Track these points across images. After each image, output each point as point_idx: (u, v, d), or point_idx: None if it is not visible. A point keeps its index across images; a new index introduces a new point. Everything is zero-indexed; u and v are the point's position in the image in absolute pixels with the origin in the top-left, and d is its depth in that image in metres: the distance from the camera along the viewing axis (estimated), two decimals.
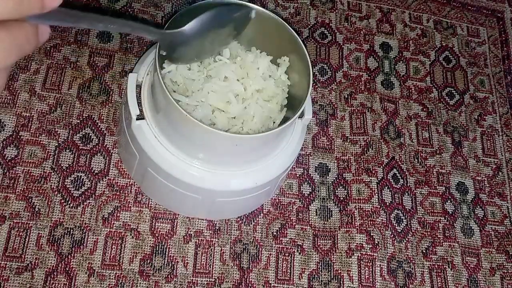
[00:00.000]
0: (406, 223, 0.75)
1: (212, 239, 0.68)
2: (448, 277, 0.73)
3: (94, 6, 0.78)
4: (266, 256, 0.69)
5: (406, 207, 0.76)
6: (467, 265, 0.74)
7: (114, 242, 0.65)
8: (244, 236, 0.69)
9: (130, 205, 0.68)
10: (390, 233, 0.73)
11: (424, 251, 0.74)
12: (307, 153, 0.77)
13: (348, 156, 0.78)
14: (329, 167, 0.76)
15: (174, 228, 0.68)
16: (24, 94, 0.71)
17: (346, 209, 0.74)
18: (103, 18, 0.33)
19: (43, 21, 0.27)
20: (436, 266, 0.73)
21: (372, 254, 0.72)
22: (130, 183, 0.69)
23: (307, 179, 0.75)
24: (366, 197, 0.75)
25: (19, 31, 0.25)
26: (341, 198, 0.75)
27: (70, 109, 0.72)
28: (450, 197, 0.79)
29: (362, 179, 0.76)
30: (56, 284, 0.62)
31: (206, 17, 0.53)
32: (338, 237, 0.72)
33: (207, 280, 0.66)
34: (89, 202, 0.67)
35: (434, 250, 0.74)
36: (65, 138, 0.70)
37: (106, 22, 0.34)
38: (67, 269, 0.63)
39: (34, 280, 0.62)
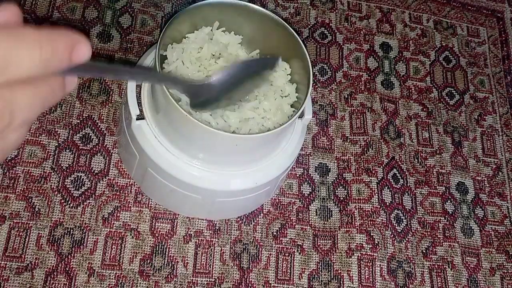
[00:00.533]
0: (406, 223, 0.75)
1: (212, 239, 0.68)
2: (448, 277, 0.73)
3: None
4: (266, 256, 0.69)
5: (406, 207, 0.76)
6: (467, 265, 0.74)
7: (114, 242, 0.65)
8: (244, 236, 0.69)
9: (130, 205, 0.68)
10: (390, 233, 0.73)
11: (424, 251, 0.74)
12: (307, 153, 0.77)
13: (348, 156, 0.78)
14: (329, 167, 0.76)
15: (174, 228, 0.68)
16: None
17: (346, 209, 0.74)
18: (130, 70, 0.33)
19: (69, 73, 0.26)
20: (436, 266, 0.73)
21: (372, 254, 0.72)
22: (130, 183, 0.69)
23: (307, 179, 0.75)
24: (366, 197, 0.75)
25: (44, 84, 0.24)
26: (341, 198, 0.75)
27: (70, 109, 0.72)
28: (450, 197, 0.79)
29: (362, 179, 0.76)
30: (56, 284, 0.62)
31: (234, 71, 0.52)
32: (338, 237, 0.72)
33: (207, 280, 0.66)
34: (89, 202, 0.67)
35: (434, 250, 0.74)
36: (65, 138, 0.70)
37: (133, 74, 0.34)
38: (67, 269, 0.63)
39: (34, 280, 0.62)
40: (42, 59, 0.22)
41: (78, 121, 0.71)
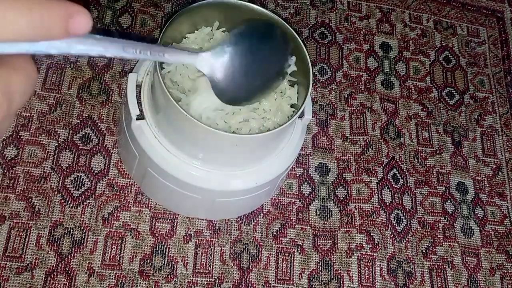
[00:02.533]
0: (406, 223, 0.75)
1: (212, 239, 0.68)
2: (448, 277, 0.73)
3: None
4: (266, 256, 0.69)
5: (406, 207, 0.76)
6: (467, 265, 0.74)
7: (114, 242, 0.65)
8: (244, 236, 0.69)
9: (130, 205, 0.68)
10: (390, 233, 0.73)
11: (424, 251, 0.74)
12: (307, 153, 0.77)
13: (348, 156, 0.78)
14: (329, 167, 0.76)
15: (174, 228, 0.68)
16: None
17: (346, 209, 0.74)
18: (135, 44, 0.30)
19: (66, 51, 0.23)
20: (436, 266, 0.73)
21: (372, 254, 0.72)
22: (130, 183, 0.69)
23: (307, 179, 0.75)
24: (366, 197, 0.75)
25: (29, 67, 0.22)
26: (341, 198, 0.75)
27: (70, 109, 0.72)
28: (450, 197, 0.79)
29: (362, 179, 0.76)
30: (56, 284, 0.62)
31: (241, 30, 0.50)
32: (338, 237, 0.72)
33: (207, 280, 0.66)
34: (89, 202, 0.67)
35: (434, 250, 0.74)
36: (65, 138, 0.70)
37: (139, 48, 0.31)
38: (67, 269, 0.63)
39: (34, 280, 0.62)
40: (31, 24, 0.20)
41: (78, 121, 0.71)
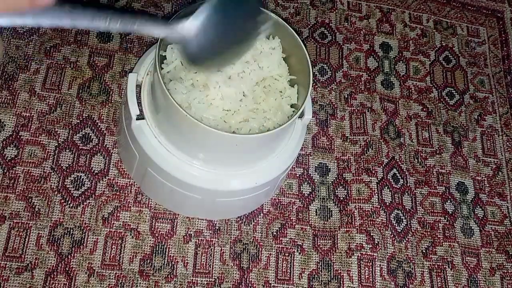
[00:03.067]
0: (406, 223, 0.75)
1: (212, 239, 0.68)
2: (448, 277, 0.73)
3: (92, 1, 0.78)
4: (266, 256, 0.69)
5: (406, 207, 0.76)
6: (467, 265, 0.74)
7: (114, 242, 0.65)
8: (244, 236, 0.69)
9: (130, 205, 0.68)
10: (390, 233, 0.73)
11: (424, 251, 0.74)
12: (307, 153, 0.77)
13: (348, 156, 0.78)
14: (329, 167, 0.76)
15: (174, 228, 0.68)
16: (24, 94, 0.71)
17: (346, 209, 0.74)
18: (105, 14, 0.30)
19: (35, 22, 0.24)
20: (436, 266, 0.73)
21: (372, 254, 0.72)
22: (130, 183, 0.69)
23: (307, 179, 0.75)
24: (366, 197, 0.75)
25: None
26: (341, 198, 0.75)
27: (70, 109, 0.72)
28: (450, 197, 0.79)
29: (362, 179, 0.76)
30: (56, 284, 0.62)
31: (214, 3, 0.50)
32: (338, 237, 0.72)
33: (207, 280, 0.66)
34: (89, 202, 0.67)
35: (434, 250, 0.74)
36: (65, 138, 0.70)
37: (109, 18, 0.31)
38: (67, 269, 0.63)
39: (34, 280, 0.62)
40: None
41: (78, 121, 0.71)
